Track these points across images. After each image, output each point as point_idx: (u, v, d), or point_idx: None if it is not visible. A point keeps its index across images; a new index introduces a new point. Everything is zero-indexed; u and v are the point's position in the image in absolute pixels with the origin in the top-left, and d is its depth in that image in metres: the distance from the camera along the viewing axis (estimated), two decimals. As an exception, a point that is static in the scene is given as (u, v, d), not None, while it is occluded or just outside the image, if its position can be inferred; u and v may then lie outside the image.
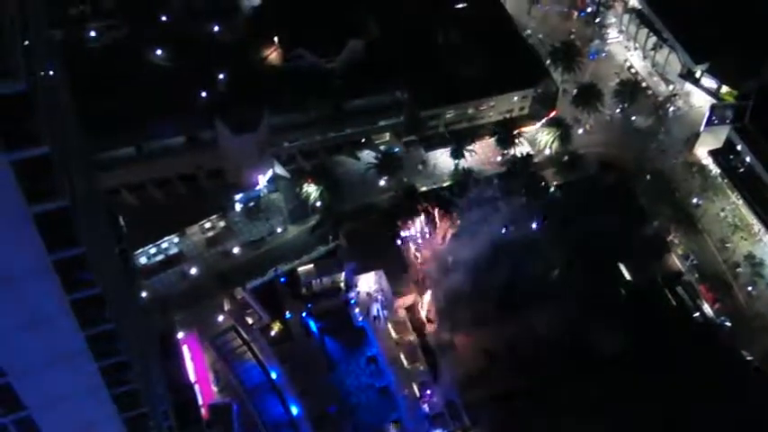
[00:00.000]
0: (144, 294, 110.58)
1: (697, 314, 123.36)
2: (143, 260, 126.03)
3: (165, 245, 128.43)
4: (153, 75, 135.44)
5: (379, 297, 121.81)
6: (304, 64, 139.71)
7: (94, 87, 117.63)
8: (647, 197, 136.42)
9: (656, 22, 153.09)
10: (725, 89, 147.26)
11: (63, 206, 49.36)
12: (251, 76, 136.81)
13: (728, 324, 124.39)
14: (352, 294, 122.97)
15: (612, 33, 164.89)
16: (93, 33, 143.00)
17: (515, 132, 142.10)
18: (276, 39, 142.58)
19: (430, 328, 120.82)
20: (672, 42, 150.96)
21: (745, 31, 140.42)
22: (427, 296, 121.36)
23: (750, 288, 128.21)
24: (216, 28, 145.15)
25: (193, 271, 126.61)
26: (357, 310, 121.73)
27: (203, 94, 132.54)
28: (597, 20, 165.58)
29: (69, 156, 57.76)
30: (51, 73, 59.12)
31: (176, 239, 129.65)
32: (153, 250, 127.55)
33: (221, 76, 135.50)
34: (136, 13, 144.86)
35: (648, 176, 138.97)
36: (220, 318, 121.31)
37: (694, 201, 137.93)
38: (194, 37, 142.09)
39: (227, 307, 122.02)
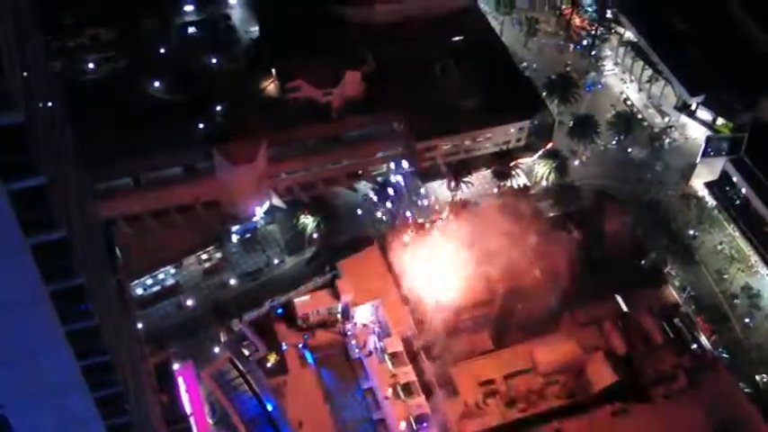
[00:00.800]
0: (140, 325, 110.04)
1: (695, 346, 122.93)
2: (139, 291, 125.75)
3: (161, 276, 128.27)
4: (151, 106, 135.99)
5: (376, 329, 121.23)
6: (302, 95, 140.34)
7: (92, 118, 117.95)
8: (644, 229, 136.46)
9: (652, 54, 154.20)
10: (720, 121, 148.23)
11: (60, 237, 49.32)
12: (249, 107, 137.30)
13: (726, 356, 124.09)
14: (349, 326, 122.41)
15: (608, 66, 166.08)
16: (91, 65, 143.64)
17: (512, 164, 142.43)
18: (274, 70, 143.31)
19: (426, 360, 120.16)
20: (667, 75, 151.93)
21: (739, 63, 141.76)
22: (424, 328, 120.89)
23: (747, 320, 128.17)
24: (214, 59, 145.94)
25: (190, 302, 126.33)
26: (354, 342, 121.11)
27: (201, 125, 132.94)
28: (593, 52, 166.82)
29: (67, 186, 57.79)
30: (50, 104, 59.32)
31: (173, 270, 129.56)
32: (149, 281, 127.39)
33: (219, 108, 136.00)
34: (134, 45, 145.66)
35: (645, 208, 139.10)
36: (216, 349, 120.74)
37: (691, 232, 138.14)
38: (192, 68, 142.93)
39: (223, 338, 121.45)
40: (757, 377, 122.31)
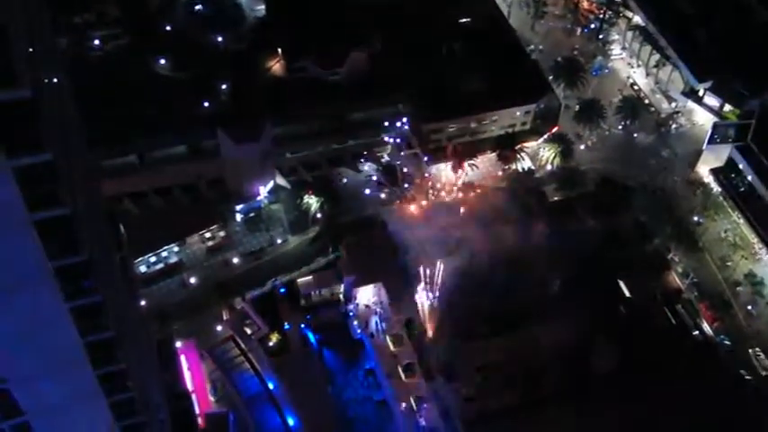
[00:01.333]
0: (143, 302, 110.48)
1: (696, 332, 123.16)
2: (143, 268, 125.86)
3: (165, 254, 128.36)
4: (156, 84, 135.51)
5: (378, 310, 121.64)
6: (307, 75, 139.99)
7: (97, 96, 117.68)
8: (648, 214, 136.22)
9: (660, 39, 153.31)
10: (727, 108, 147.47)
11: (64, 214, 49.36)
12: (254, 86, 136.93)
13: (728, 343, 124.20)
14: (351, 307, 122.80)
15: (616, 50, 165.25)
16: (96, 42, 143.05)
17: (517, 147, 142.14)
18: (280, 50, 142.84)
19: (428, 342, 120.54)
20: (675, 60, 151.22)
21: (748, 49, 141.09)
22: (426, 310, 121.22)
23: (750, 307, 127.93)
24: (220, 38, 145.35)
25: (193, 280, 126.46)
26: (356, 322, 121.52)
27: (206, 103, 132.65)
28: (600, 36, 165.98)
29: (72, 163, 57.78)
30: (56, 80, 59.22)
31: (176, 248, 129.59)
32: (153, 259, 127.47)
33: (224, 86, 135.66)
34: (139, 22, 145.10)
35: (650, 194, 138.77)
36: (219, 327, 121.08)
37: (695, 219, 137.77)
38: (198, 46, 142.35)
39: (225, 317, 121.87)
40: (750, 350, 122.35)
